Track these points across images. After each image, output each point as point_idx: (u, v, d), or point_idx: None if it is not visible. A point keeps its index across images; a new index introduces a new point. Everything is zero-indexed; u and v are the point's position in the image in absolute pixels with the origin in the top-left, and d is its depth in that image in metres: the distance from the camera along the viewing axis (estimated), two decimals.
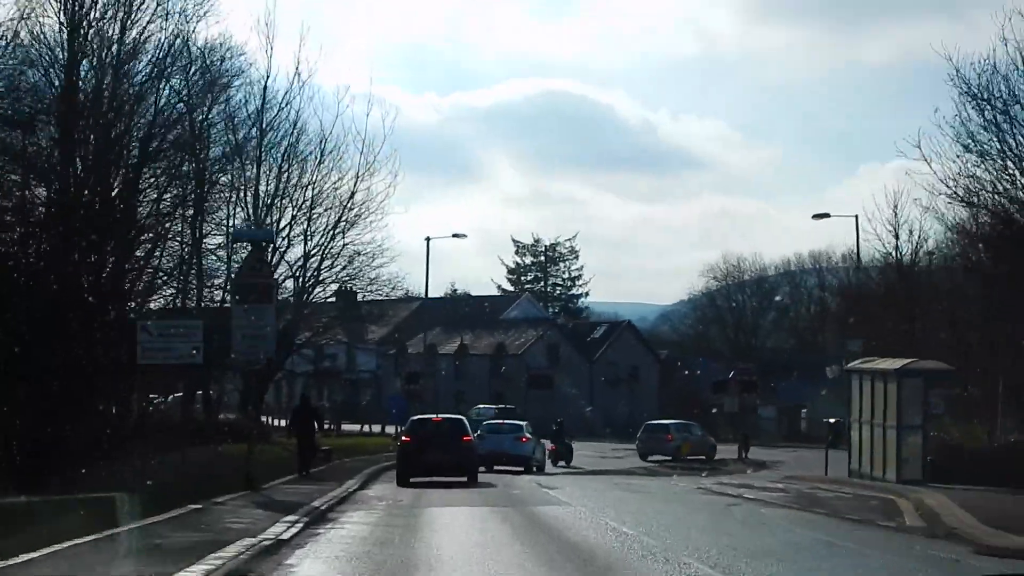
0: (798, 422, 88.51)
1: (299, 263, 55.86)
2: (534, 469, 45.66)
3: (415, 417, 38.41)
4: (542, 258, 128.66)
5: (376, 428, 71.79)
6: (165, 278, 44.54)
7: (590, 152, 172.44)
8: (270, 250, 54.82)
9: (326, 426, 70.75)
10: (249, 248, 28.42)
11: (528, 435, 46.66)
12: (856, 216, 50.74)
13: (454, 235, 58.22)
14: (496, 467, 43.79)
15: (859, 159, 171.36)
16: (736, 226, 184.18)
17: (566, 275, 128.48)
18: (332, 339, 61.61)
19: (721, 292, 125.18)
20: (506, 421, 50.08)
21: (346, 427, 72.55)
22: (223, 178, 48.31)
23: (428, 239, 59.68)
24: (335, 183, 53.98)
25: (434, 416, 38.40)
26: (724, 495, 31.49)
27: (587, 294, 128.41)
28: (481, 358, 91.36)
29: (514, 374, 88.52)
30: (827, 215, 50.85)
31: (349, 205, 53.70)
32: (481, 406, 71.30)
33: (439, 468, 33.71)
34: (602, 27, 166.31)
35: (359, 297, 59.98)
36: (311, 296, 56.23)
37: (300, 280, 55.28)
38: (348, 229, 54.36)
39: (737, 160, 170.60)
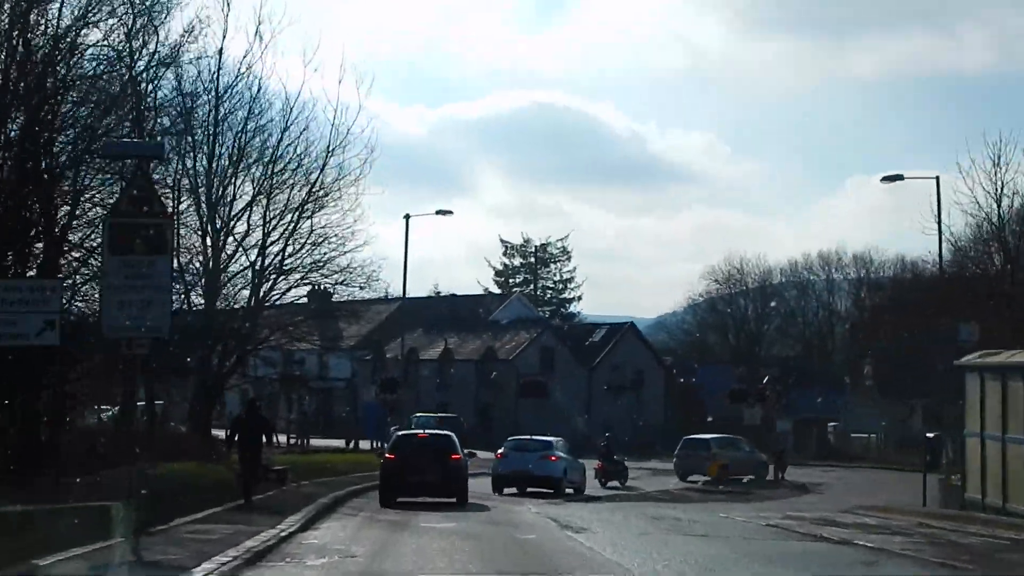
0: (824, 437, 79.51)
1: (256, 246, 47.66)
2: (568, 491, 39.96)
3: (400, 432, 35.78)
4: (532, 259, 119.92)
5: (359, 443, 62.63)
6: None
7: (577, 164, 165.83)
8: (223, 232, 46.84)
9: (291, 440, 62.44)
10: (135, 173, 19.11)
11: (559, 453, 40.68)
12: (937, 177, 40.94)
13: (438, 212, 49.28)
14: (529, 489, 39.55)
15: (846, 171, 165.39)
16: (725, 239, 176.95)
17: (557, 278, 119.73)
18: (300, 338, 52.97)
19: (723, 297, 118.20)
20: (533, 437, 42.65)
21: (317, 442, 63.66)
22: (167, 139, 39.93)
23: (407, 217, 50.50)
24: (300, 155, 45.99)
25: (420, 432, 35.90)
26: (816, 538, 22.43)
27: (580, 298, 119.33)
28: (467, 363, 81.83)
29: (504, 381, 79.19)
30: (900, 176, 41.04)
31: (318, 181, 45.41)
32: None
33: (424, 488, 31.16)
34: (590, 39, 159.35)
35: (333, 296, 51.65)
36: (272, 287, 47.87)
37: (258, 267, 46.75)
38: (317, 211, 46.41)
39: (725, 173, 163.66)
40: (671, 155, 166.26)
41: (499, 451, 41.17)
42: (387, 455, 32.45)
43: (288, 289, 49.27)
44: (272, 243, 47.53)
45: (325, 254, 48.17)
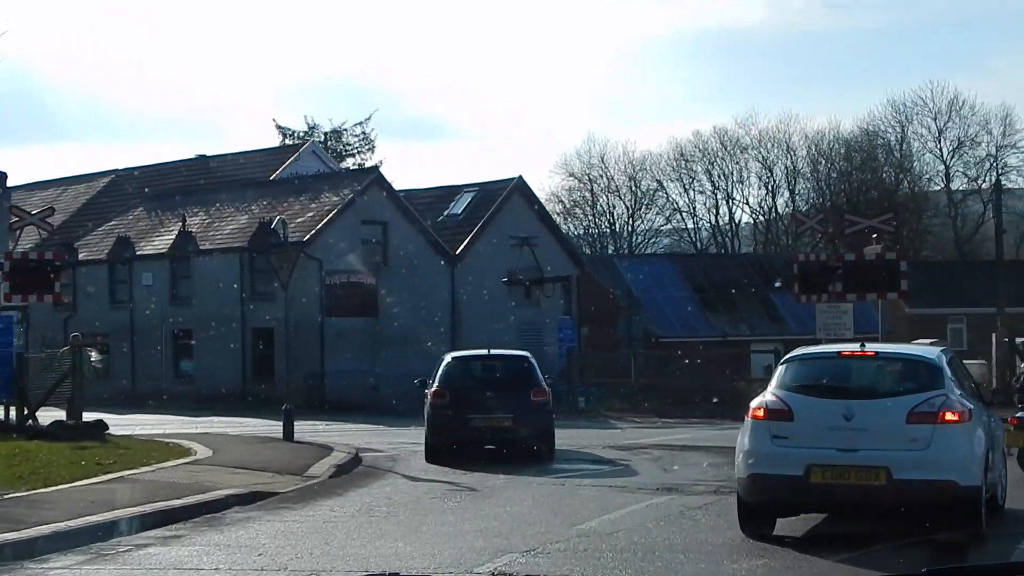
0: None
1: None
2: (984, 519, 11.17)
3: (453, 354, 24.27)
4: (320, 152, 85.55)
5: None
6: None
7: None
8: None
9: None
10: None
11: (962, 402, 10.32)
12: None
13: None
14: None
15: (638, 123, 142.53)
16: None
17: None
18: None
19: (581, 193, 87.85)
20: (874, 349, 11.53)
21: None
22: None
23: None
24: None
25: (482, 351, 24.17)
26: None
27: None
28: (226, 255, 44.83)
29: (298, 285, 42.25)
30: None
31: None
32: None
33: (489, 435, 21.70)
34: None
35: None
36: None
37: None
38: None
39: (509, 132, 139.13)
40: (444, 112, 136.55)
41: (756, 405, 10.93)
42: (433, 389, 22.14)
43: None
44: None
45: None
